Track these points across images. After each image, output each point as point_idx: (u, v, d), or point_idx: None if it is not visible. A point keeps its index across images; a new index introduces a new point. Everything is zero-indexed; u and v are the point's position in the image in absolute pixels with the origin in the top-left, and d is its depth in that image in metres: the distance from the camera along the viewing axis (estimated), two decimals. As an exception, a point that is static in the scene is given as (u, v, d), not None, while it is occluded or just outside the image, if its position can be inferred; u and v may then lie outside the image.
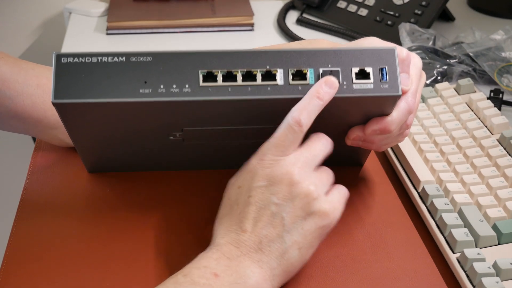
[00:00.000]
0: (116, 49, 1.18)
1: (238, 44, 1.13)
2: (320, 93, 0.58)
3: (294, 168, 0.57)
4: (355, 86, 0.58)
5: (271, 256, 0.56)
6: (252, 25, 1.18)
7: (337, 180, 0.73)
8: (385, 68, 0.59)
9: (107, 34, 1.15)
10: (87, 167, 0.73)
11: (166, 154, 0.70)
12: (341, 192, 0.60)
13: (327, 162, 0.75)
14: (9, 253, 0.63)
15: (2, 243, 0.66)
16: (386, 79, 0.58)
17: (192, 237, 0.65)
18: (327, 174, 0.61)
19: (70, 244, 0.64)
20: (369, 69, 0.58)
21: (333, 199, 0.59)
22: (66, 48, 1.12)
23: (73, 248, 0.64)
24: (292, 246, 0.57)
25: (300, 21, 1.19)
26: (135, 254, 0.63)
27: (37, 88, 0.70)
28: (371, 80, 0.58)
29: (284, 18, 1.21)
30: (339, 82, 0.58)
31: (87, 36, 1.16)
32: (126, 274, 0.61)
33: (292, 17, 1.22)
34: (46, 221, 0.67)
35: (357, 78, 0.58)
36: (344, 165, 0.75)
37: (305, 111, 0.57)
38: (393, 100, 0.60)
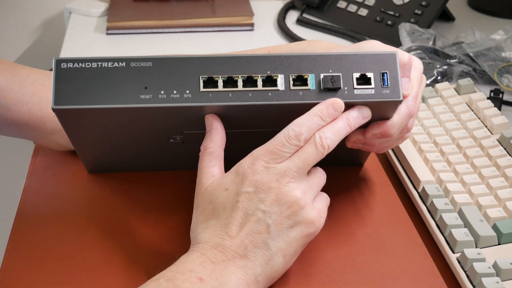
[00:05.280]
0: (116, 49, 1.18)
1: (238, 44, 1.13)
2: (324, 113, 0.57)
3: (284, 178, 0.57)
4: (356, 92, 0.58)
5: (255, 262, 0.56)
6: (252, 25, 1.18)
7: (337, 180, 0.73)
8: (386, 73, 0.58)
9: (107, 34, 1.15)
10: (87, 167, 0.73)
11: (166, 156, 0.70)
12: (324, 200, 0.61)
13: (328, 162, 0.75)
14: (9, 253, 0.63)
15: (2, 244, 0.66)
16: (387, 84, 0.58)
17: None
18: (318, 178, 0.60)
19: (70, 244, 0.64)
20: (370, 74, 0.58)
21: (319, 206, 0.59)
22: (66, 48, 1.12)
23: (73, 248, 0.64)
24: (277, 253, 0.57)
25: (300, 21, 1.19)
26: (135, 255, 0.63)
27: (33, 95, 0.69)
28: (372, 85, 0.58)
29: (284, 18, 1.21)
30: (340, 88, 0.58)
31: (87, 36, 1.16)
32: (126, 274, 0.61)
33: (292, 17, 1.22)
34: (46, 221, 0.67)
35: (358, 83, 0.58)
36: (344, 165, 0.75)
37: (305, 126, 0.57)
38: (394, 105, 0.60)
